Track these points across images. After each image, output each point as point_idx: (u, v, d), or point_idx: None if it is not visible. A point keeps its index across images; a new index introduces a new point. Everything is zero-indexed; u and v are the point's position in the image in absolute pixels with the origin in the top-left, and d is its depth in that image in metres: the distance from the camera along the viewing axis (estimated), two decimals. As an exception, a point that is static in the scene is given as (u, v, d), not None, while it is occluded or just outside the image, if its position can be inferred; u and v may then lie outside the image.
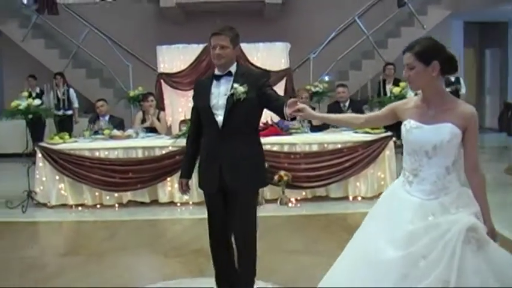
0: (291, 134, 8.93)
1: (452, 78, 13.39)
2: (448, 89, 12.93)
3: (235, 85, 4.34)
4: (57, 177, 8.79)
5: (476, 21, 17.34)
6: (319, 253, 6.30)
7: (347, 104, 10.10)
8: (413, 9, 14.26)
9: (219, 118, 4.37)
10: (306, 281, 5.32)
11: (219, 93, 4.41)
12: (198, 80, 4.96)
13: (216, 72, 4.48)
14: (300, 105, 3.92)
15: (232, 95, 4.33)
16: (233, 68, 4.45)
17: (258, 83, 4.39)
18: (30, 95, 9.60)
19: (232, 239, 4.60)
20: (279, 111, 4.20)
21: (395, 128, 8.94)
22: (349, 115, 4.98)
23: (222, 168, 4.37)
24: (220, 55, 4.36)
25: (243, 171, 4.37)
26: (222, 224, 4.58)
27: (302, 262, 6.06)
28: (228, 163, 4.36)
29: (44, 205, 8.77)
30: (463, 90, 13.55)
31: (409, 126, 3.56)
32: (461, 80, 13.58)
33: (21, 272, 6.05)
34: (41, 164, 8.82)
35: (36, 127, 11.28)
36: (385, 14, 14.30)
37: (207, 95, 4.42)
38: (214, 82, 4.46)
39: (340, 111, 9.90)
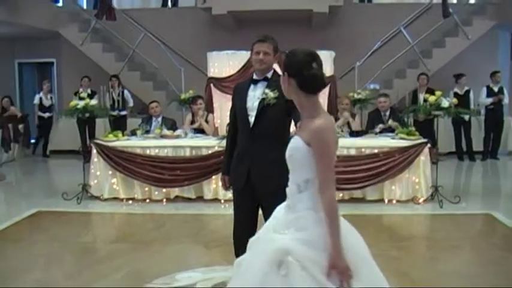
0: (330, 138, 9.31)
1: (496, 89, 13.65)
2: (490, 99, 13.30)
3: (267, 90, 4.69)
4: (110, 172, 9.39)
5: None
6: (348, 249, 6.71)
7: (387, 113, 10.42)
8: (459, 20, 14.44)
9: (251, 119, 4.73)
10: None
11: (254, 96, 4.76)
12: (238, 82, 5.36)
13: (254, 76, 4.83)
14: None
15: (263, 99, 4.69)
16: (269, 75, 4.80)
17: None
18: (83, 97, 10.21)
19: None
20: (295, 123, 4.56)
21: (428, 135, 9.37)
22: None
23: (251, 167, 4.71)
24: (262, 60, 4.71)
25: (270, 171, 4.62)
26: (246, 221, 4.86)
27: (332, 256, 6.44)
28: (257, 163, 4.68)
29: (97, 198, 9.37)
30: (506, 100, 13.78)
31: None
32: (505, 90, 13.81)
33: (75, 255, 6.65)
34: (95, 160, 9.44)
35: (89, 126, 12.03)
36: (431, 24, 14.51)
37: (244, 97, 4.79)
38: (252, 86, 4.81)
39: (380, 119, 10.29)
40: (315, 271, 3.02)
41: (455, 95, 13.22)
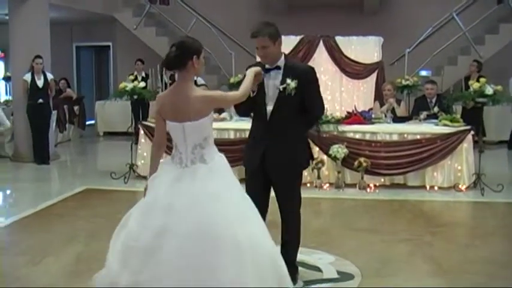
0: (373, 123, 9.38)
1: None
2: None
3: (288, 80, 4.71)
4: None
5: None
6: (382, 232, 6.80)
7: (434, 100, 10.36)
8: (513, 6, 14.16)
9: (269, 108, 4.80)
10: (364, 256, 5.87)
11: (269, 85, 4.80)
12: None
13: (267, 66, 4.80)
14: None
15: (284, 89, 4.72)
16: (281, 62, 4.79)
17: (304, 79, 4.75)
18: (135, 78, 10.48)
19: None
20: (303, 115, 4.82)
21: (475, 122, 9.31)
22: None
23: (266, 152, 4.81)
24: (263, 55, 4.75)
25: (285, 154, 4.78)
26: (258, 203, 4.77)
27: (364, 238, 6.55)
28: (273, 147, 4.78)
29: (144, 177, 9.55)
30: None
31: None
32: None
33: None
34: (143, 141, 9.71)
35: (140, 107, 12.31)
36: (484, 10, 14.30)
37: (261, 86, 4.77)
38: (265, 74, 4.78)
39: (427, 106, 10.25)
40: None
41: None
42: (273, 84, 4.81)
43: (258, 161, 4.88)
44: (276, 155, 4.83)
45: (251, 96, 4.60)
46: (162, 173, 4.15)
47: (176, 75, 4.18)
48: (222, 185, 4.03)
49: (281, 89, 4.76)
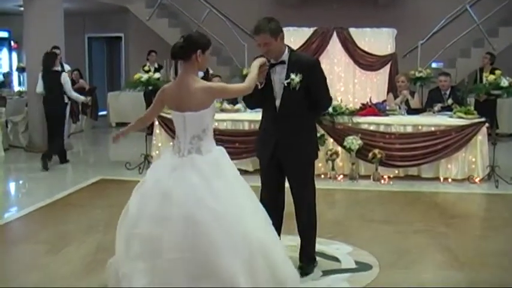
0: (387, 115, 9.40)
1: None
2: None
3: (292, 75, 4.77)
4: (171, 144, 9.62)
5: None
6: (397, 223, 6.85)
7: (448, 92, 10.34)
8: (529, -3, 14.06)
9: (277, 102, 4.87)
10: (380, 246, 5.91)
11: (275, 80, 4.86)
12: None
13: (272, 61, 4.85)
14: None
15: (288, 84, 4.78)
16: (285, 57, 4.84)
17: (309, 72, 4.81)
18: (148, 70, 10.51)
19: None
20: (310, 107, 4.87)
21: (488, 115, 9.30)
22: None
23: (278, 143, 4.88)
24: (266, 52, 4.77)
25: (295, 146, 4.86)
26: (272, 194, 5.06)
27: (380, 229, 6.61)
28: (283, 139, 4.85)
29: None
30: None
31: None
32: None
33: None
34: (157, 131, 9.76)
35: (153, 99, 12.33)
36: (498, 2, 14.20)
37: (268, 80, 4.85)
38: (271, 69, 4.84)
39: (441, 98, 10.25)
40: None
41: None
42: (279, 79, 4.87)
43: (270, 153, 4.97)
44: (287, 146, 4.91)
45: (259, 87, 4.70)
46: (162, 159, 4.44)
47: (179, 67, 4.35)
48: (219, 179, 4.15)
49: (285, 84, 4.82)
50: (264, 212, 4.39)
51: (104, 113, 16.96)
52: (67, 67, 11.68)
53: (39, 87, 10.70)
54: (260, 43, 4.75)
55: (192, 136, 4.24)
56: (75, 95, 10.91)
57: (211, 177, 4.13)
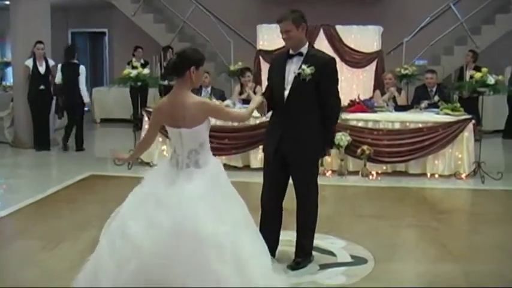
0: (375, 111, 9.50)
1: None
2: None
3: (304, 66, 4.89)
4: (160, 139, 9.67)
5: None
6: (389, 218, 6.97)
7: (434, 89, 10.48)
8: (510, -4, 14.26)
9: (286, 92, 4.96)
10: (372, 240, 6.03)
11: (290, 70, 4.99)
12: (276, 54, 5.50)
13: (290, 51, 5.03)
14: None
15: (299, 74, 4.90)
16: (304, 49, 4.99)
17: (323, 68, 4.91)
18: (133, 66, 10.54)
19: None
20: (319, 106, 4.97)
21: (471, 111, 9.43)
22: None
23: (283, 137, 4.95)
24: (286, 38, 4.94)
25: (301, 141, 4.92)
26: (274, 197, 5.14)
27: (372, 224, 6.71)
28: (288, 133, 4.92)
29: (147, 164, 9.66)
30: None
31: None
32: None
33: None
34: (146, 127, 9.75)
35: (139, 94, 12.38)
36: (481, 1, 14.37)
37: (282, 71, 5.00)
38: (289, 60, 5.01)
39: (427, 95, 10.38)
40: None
41: None
42: (293, 69, 4.97)
43: (275, 146, 5.02)
44: (292, 141, 4.96)
45: (262, 116, 5.15)
46: (160, 169, 4.46)
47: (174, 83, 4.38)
48: (214, 191, 4.19)
49: (296, 74, 4.92)
50: (254, 225, 4.43)
51: (87, 109, 16.87)
52: (51, 62, 11.62)
53: (58, 78, 11.38)
54: (282, 31, 4.93)
55: (190, 150, 4.28)
56: (85, 88, 11.54)
57: (208, 190, 4.17)
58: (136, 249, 3.99)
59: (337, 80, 5.09)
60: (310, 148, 5.02)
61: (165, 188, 4.17)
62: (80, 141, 11.76)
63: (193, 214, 3.99)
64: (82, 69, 11.45)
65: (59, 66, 11.43)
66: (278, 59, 5.19)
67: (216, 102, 4.85)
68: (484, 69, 9.20)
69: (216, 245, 3.95)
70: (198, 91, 10.89)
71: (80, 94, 11.42)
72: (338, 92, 5.12)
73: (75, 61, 11.51)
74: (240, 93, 10.90)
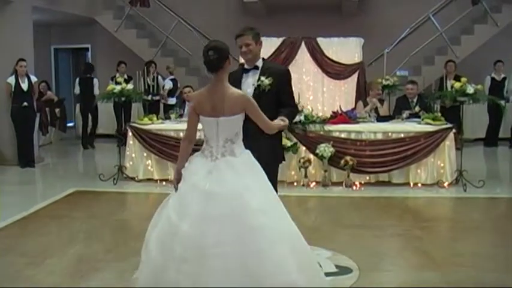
0: (358, 122, 9.60)
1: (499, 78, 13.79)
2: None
3: (262, 78, 5.16)
4: (145, 154, 9.76)
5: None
6: (373, 228, 7.03)
7: (415, 99, 10.62)
8: (488, 7, 14.45)
9: None
10: (357, 250, 6.09)
11: (248, 83, 5.24)
12: (231, 73, 5.58)
13: (245, 66, 5.31)
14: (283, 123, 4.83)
15: (258, 86, 5.16)
16: (259, 63, 5.26)
17: (280, 79, 5.20)
18: (117, 81, 10.61)
19: None
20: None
21: (454, 121, 9.55)
22: None
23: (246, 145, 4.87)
24: (246, 52, 5.18)
25: (262, 150, 4.87)
26: None
27: (356, 234, 6.77)
28: (251, 143, 4.80)
29: (132, 179, 9.74)
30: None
31: None
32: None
33: (112, 231, 7.10)
34: (131, 142, 9.82)
35: (123, 109, 12.45)
36: (460, 11, 14.58)
37: (238, 85, 5.08)
38: (244, 74, 5.29)
39: (408, 105, 10.50)
40: None
41: (493, 80, 13.84)
42: (250, 82, 5.24)
43: None
44: (255, 150, 4.98)
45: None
46: (194, 164, 4.45)
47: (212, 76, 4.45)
48: (254, 177, 4.36)
49: (255, 86, 5.18)
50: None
51: (71, 124, 16.92)
52: (34, 78, 11.65)
53: (77, 90, 14.60)
54: (241, 44, 5.16)
55: (225, 139, 4.38)
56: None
57: (248, 176, 4.32)
58: (193, 248, 4.06)
59: (292, 90, 5.37)
60: (269, 155, 5.11)
61: (205, 181, 4.24)
62: (92, 139, 14.52)
63: (243, 203, 4.14)
64: (95, 81, 14.35)
65: (77, 80, 14.61)
66: (234, 75, 5.21)
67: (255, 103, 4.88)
68: (464, 79, 9.35)
69: (271, 229, 4.11)
70: (181, 105, 10.95)
71: (93, 101, 14.26)
72: (294, 99, 5.43)
73: (90, 76, 14.44)
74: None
